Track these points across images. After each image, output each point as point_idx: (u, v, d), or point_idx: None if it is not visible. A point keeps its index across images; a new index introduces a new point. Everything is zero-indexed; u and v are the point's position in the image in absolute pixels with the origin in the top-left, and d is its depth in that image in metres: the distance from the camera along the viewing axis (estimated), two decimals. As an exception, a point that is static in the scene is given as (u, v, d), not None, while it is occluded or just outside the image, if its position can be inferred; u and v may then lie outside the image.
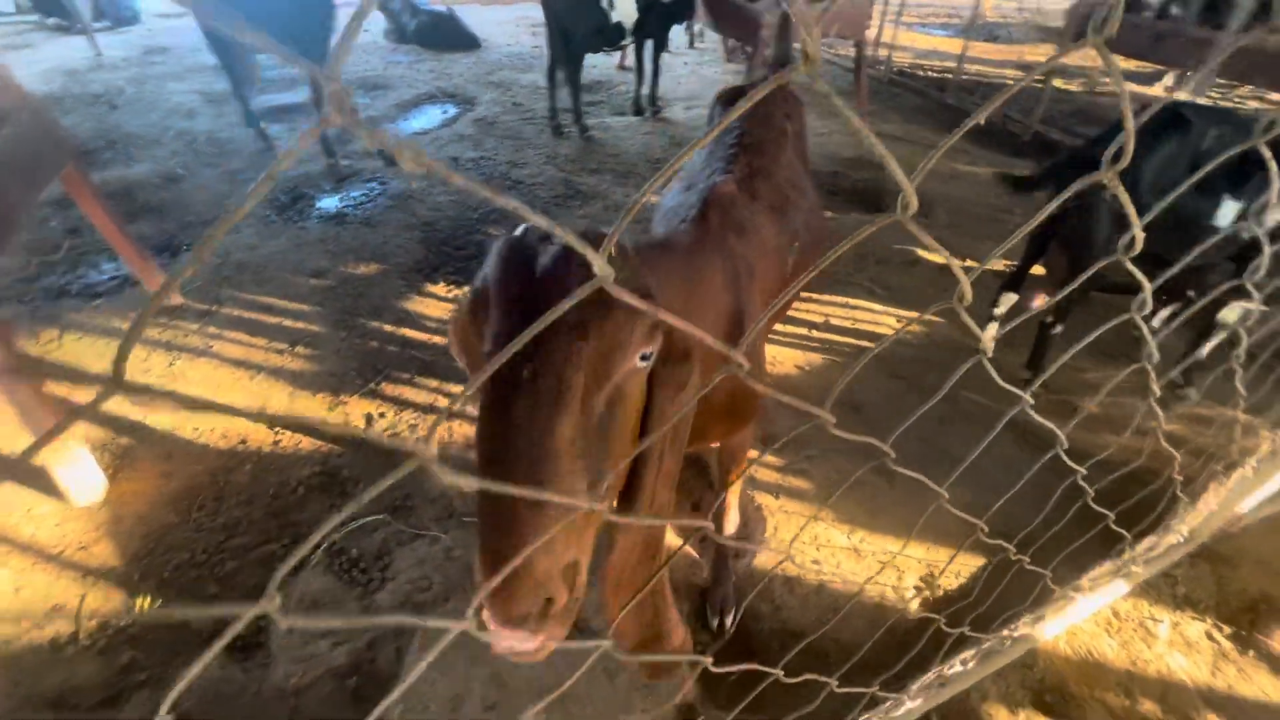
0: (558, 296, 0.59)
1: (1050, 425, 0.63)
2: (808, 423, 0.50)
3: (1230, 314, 2.23)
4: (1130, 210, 0.42)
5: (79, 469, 1.91)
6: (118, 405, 2.25)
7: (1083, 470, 0.68)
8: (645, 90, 5.00)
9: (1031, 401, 0.58)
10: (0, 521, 1.87)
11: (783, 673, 0.63)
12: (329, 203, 3.64)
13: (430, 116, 4.97)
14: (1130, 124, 0.34)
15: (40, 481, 1.94)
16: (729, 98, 1.83)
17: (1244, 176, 1.93)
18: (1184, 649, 1.65)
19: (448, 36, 6.33)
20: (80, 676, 1.57)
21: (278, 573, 0.28)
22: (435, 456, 0.28)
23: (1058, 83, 5.24)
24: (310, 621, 0.36)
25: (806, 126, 1.89)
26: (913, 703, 1.15)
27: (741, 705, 1.02)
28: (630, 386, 0.67)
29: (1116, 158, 0.37)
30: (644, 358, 0.66)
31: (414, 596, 1.72)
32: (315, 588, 1.73)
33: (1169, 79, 6.32)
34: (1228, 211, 1.94)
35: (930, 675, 1.09)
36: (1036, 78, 6.12)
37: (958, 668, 1.11)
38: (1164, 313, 2.61)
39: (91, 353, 2.47)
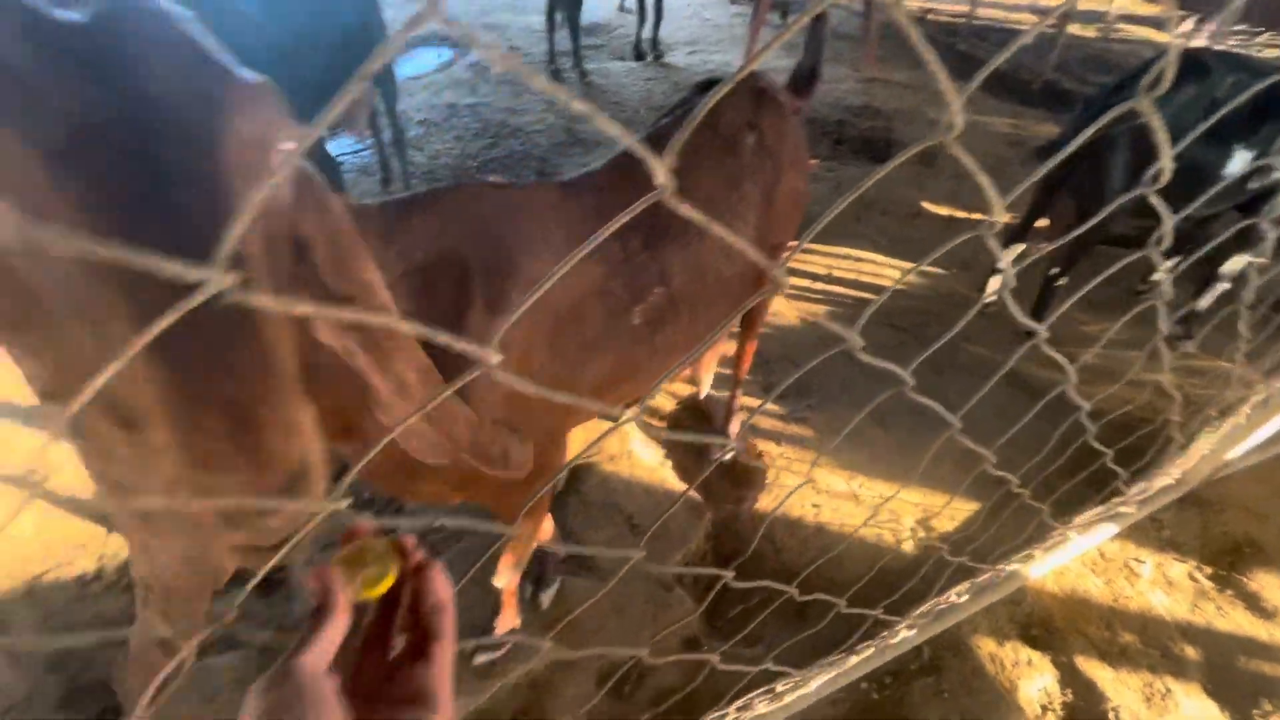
0: None
1: (1061, 358, 0.65)
2: (795, 375, 0.52)
3: (1234, 265, 2.24)
4: (1163, 136, 0.42)
5: (91, 415, 1.93)
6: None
7: (1087, 406, 0.71)
8: (647, 34, 4.83)
9: (1047, 335, 0.60)
10: (19, 464, 1.91)
11: (797, 591, 0.67)
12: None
13: (424, 61, 4.81)
14: (1174, 51, 0.35)
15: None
16: (704, 86, 1.46)
17: (1257, 125, 1.90)
18: (1165, 587, 1.72)
19: (440, -26, 6.06)
20: (109, 612, 1.63)
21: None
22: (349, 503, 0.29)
23: (1072, 28, 5.07)
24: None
25: (792, 138, 1.40)
26: (909, 632, 1.21)
27: (742, 634, 1.07)
28: None
29: (1153, 87, 0.37)
30: None
31: (428, 536, 1.78)
32: (325, 531, 1.78)
33: (1188, 24, 6.12)
34: (1239, 161, 1.92)
35: (926, 606, 1.15)
36: (1050, 23, 5.93)
37: (953, 599, 1.17)
38: (1167, 264, 2.61)
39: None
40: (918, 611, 1.16)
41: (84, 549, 1.73)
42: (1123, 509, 1.53)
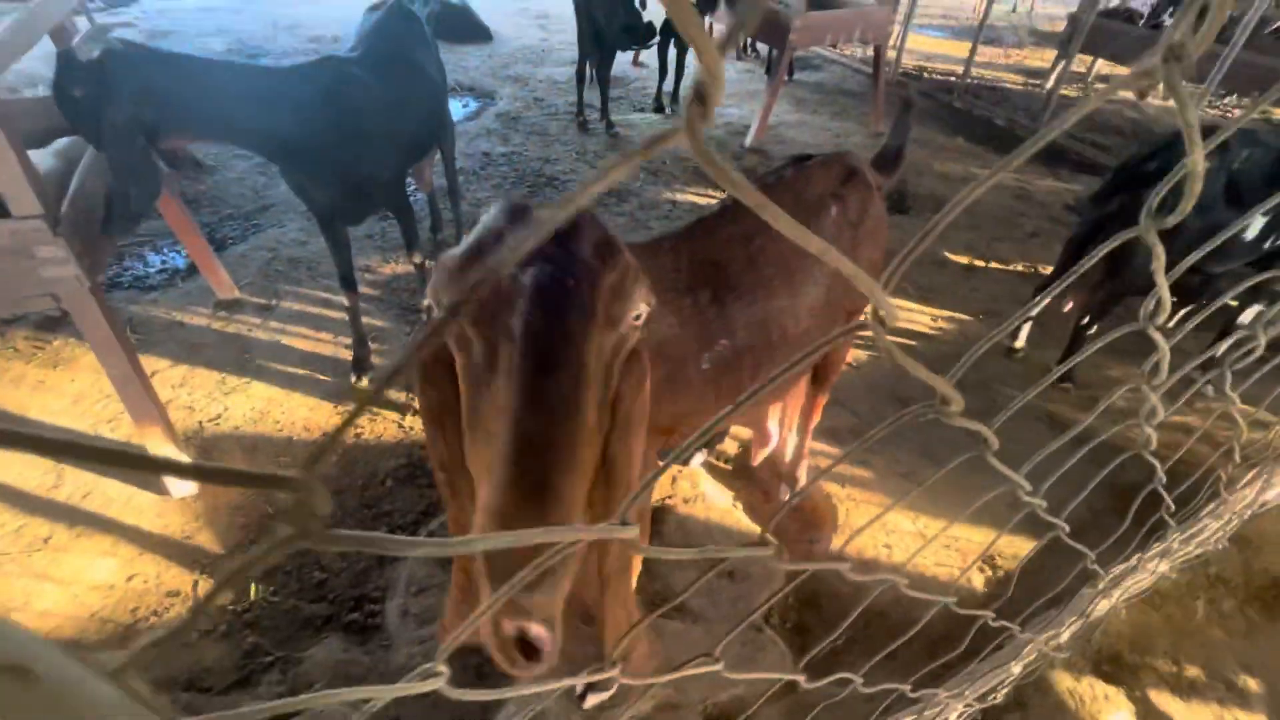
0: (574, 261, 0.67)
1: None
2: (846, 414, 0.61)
3: (1249, 315, 2.42)
4: (1160, 273, 0.41)
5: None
6: (201, 400, 2.29)
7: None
8: (668, 88, 5.07)
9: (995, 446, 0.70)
10: (104, 512, 1.92)
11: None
12: (367, 197, 3.66)
13: (452, 110, 4.98)
14: (1199, 168, 0.31)
15: (136, 473, 1.99)
16: (799, 160, 1.55)
17: (1271, 192, 2.11)
18: (1220, 621, 1.83)
19: (461, 28, 6.29)
20: (209, 660, 1.64)
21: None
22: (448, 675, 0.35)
23: (1065, 90, 5.44)
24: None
25: (874, 213, 1.53)
26: (1017, 668, 1.29)
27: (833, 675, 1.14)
28: (621, 355, 0.73)
29: (1160, 208, 0.35)
30: (637, 317, 0.72)
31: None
32: (420, 574, 1.82)
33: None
34: (1256, 224, 2.12)
35: (1039, 640, 1.23)
36: (1035, 83, 6.33)
37: (1065, 636, 1.26)
38: (1181, 313, 2.80)
39: (161, 337, 2.50)
40: (1026, 649, 1.24)
41: (177, 597, 1.75)
42: (1176, 545, 1.64)
